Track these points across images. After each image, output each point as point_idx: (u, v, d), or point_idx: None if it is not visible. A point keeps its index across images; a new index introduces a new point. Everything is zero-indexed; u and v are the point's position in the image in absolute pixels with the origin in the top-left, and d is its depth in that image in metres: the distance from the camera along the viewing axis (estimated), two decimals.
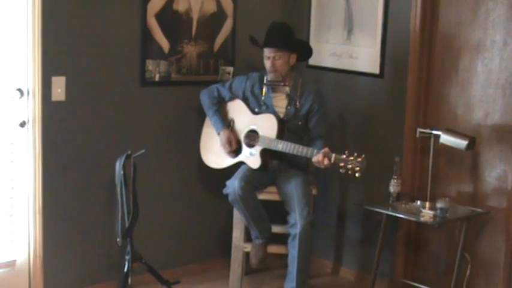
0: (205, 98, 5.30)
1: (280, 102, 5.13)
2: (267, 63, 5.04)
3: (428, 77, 5.20)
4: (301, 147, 4.88)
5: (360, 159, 4.67)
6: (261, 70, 5.18)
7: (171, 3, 5.25)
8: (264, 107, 5.15)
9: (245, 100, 5.23)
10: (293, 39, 5.15)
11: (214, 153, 5.32)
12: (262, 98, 5.14)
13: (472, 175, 5.01)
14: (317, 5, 5.81)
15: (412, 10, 5.15)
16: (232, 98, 5.29)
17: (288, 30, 5.12)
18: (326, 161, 4.74)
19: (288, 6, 5.91)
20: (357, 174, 4.67)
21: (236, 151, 5.20)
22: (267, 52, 5.03)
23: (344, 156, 4.70)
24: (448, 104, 5.12)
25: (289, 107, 5.10)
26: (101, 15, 4.96)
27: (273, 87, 5.11)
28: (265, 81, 5.09)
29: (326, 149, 4.78)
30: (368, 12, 5.44)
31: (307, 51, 5.26)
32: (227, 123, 5.25)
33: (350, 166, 4.68)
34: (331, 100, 5.44)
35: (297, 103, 5.09)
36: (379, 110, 5.45)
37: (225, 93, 5.29)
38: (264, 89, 5.12)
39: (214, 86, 5.34)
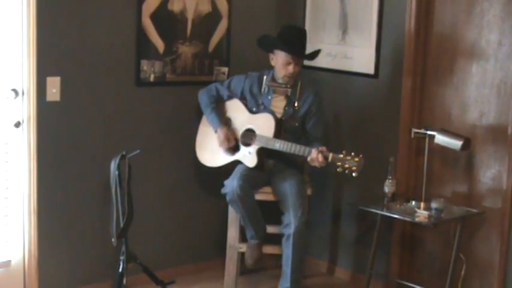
0: (203, 96, 5.30)
1: (279, 103, 5.13)
2: (288, 68, 5.00)
3: (423, 77, 5.20)
4: (298, 146, 4.88)
5: (357, 159, 4.68)
6: (261, 70, 5.18)
7: (166, 4, 5.25)
8: (261, 107, 5.15)
9: (243, 99, 5.23)
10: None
11: (210, 152, 5.31)
12: (261, 98, 5.14)
13: (467, 175, 5.02)
14: (312, 5, 5.81)
15: (407, 10, 5.15)
16: (230, 97, 5.28)
17: (306, 38, 5.10)
18: (321, 158, 4.74)
19: (283, 7, 5.91)
20: (353, 174, 4.68)
21: (234, 149, 5.19)
22: (290, 58, 4.99)
23: (341, 155, 4.72)
24: (443, 104, 5.12)
25: (287, 108, 5.10)
26: (95, 15, 4.96)
27: (274, 88, 5.10)
28: (268, 83, 5.07)
29: (323, 148, 4.79)
30: (363, 12, 5.44)
31: (312, 58, 5.25)
32: (224, 121, 5.25)
33: (347, 165, 4.69)
34: (326, 100, 5.43)
35: (296, 104, 5.09)
36: (374, 110, 5.46)
37: (224, 92, 5.29)
38: (265, 89, 5.12)
39: (212, 85, 5.34)
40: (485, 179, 4.93)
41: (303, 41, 5.07)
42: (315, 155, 4.77)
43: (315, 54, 5.18)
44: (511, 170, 4.76)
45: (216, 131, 5.21)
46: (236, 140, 5.19)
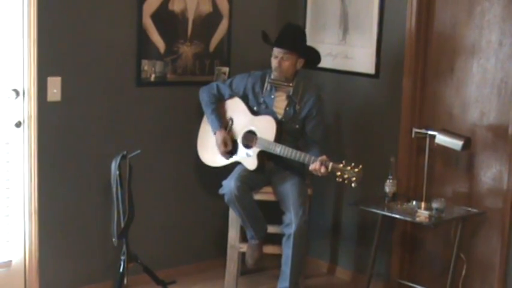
0: (204, 95, 5.29)
1: (280, 103, 5.11)
2: (274, 62, 5.02)
3: (423, 77, 5.20)
4: (298, 152, 4.87)
5: (356, 170, 4.65)
6: (264, 70, 5.17)
7: (166, 4, 5.25)
8: (263, 106, 5.14)
9: (244, 98, 5.22)
10: (304, 44, 5.12)
11: (211, 151, 5.30)
12: (262, 97, 5.13)
13: (468, 175, 5.02)
14: (312, 4, 5.81)
15: (408, 10, 5.15)
16: (231, 96, 5.27)
17: (301, 33, 5.11)
18: (323, 169, 4.73)
19: (284, 6, 5.91)
20: (353, 185, 4.66)
21: (231, 152, 5.19)
22: (276, 51, 5.01)
23: (341, 165, 4.69)
24: (444, 104, 5.12)
25: (287, 109, 5.09)
26: (96, 15, 4.96)
27: (276, 86, 5.09)
28: (268, 79, 5.07)
29: (324, 157, 4.77)
30: (363, 12, 5.44)
31: (316, 59, 5.21)
32: (224, 123, 5.24)
33: (346, 176, 4.67)
34: (326, 100, 5.43)
35: (297, 106, 5.08)
36: (375, 110, 5.45)
37: (225, 91, 5.27)
38: (267, 88, 5.11)
39: (214, 83, 5.33)
40: (486, 179, 4.93)
41: (290, 35, 5.05)
42: (317, 166, 4.75)
43: (309, 51, 5.13)
44: (511, 170, 4.76)
45: (214, 133, 5.21)
46: (234, 143, 5.18)
